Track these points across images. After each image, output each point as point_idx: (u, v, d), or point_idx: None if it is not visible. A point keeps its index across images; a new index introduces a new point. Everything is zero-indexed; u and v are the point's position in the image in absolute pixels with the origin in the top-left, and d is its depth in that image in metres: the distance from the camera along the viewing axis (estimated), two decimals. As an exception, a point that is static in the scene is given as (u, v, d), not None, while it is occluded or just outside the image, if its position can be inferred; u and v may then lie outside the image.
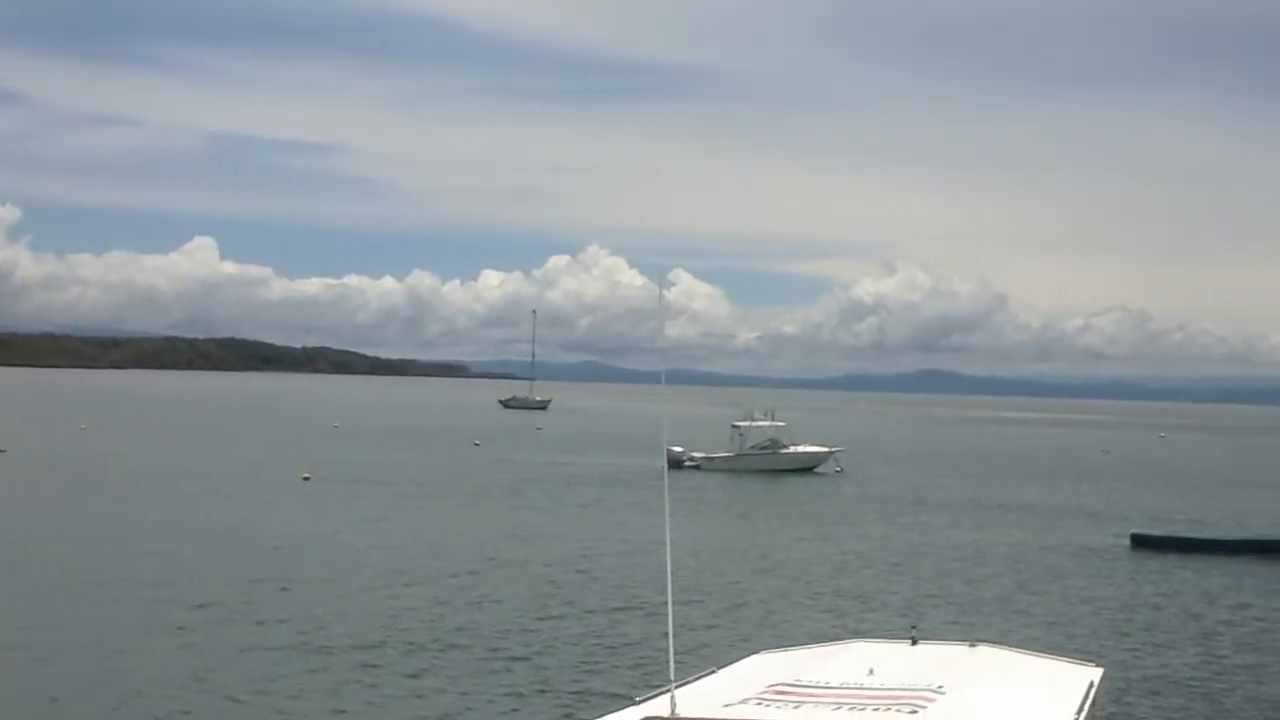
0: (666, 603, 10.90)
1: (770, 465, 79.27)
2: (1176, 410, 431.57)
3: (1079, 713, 10.73)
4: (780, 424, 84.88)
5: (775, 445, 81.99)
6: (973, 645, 13.39)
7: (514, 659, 25.77)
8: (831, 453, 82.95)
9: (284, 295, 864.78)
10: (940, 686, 10.74)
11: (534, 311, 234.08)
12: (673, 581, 11.49)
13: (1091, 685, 11.68)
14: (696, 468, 77.93)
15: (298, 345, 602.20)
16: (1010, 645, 14.66)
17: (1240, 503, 66.88)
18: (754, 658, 13.11)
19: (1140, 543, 46.12)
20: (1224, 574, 39.97)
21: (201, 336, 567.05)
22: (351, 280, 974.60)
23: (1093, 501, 64.99)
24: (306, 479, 61.96)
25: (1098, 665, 12.75)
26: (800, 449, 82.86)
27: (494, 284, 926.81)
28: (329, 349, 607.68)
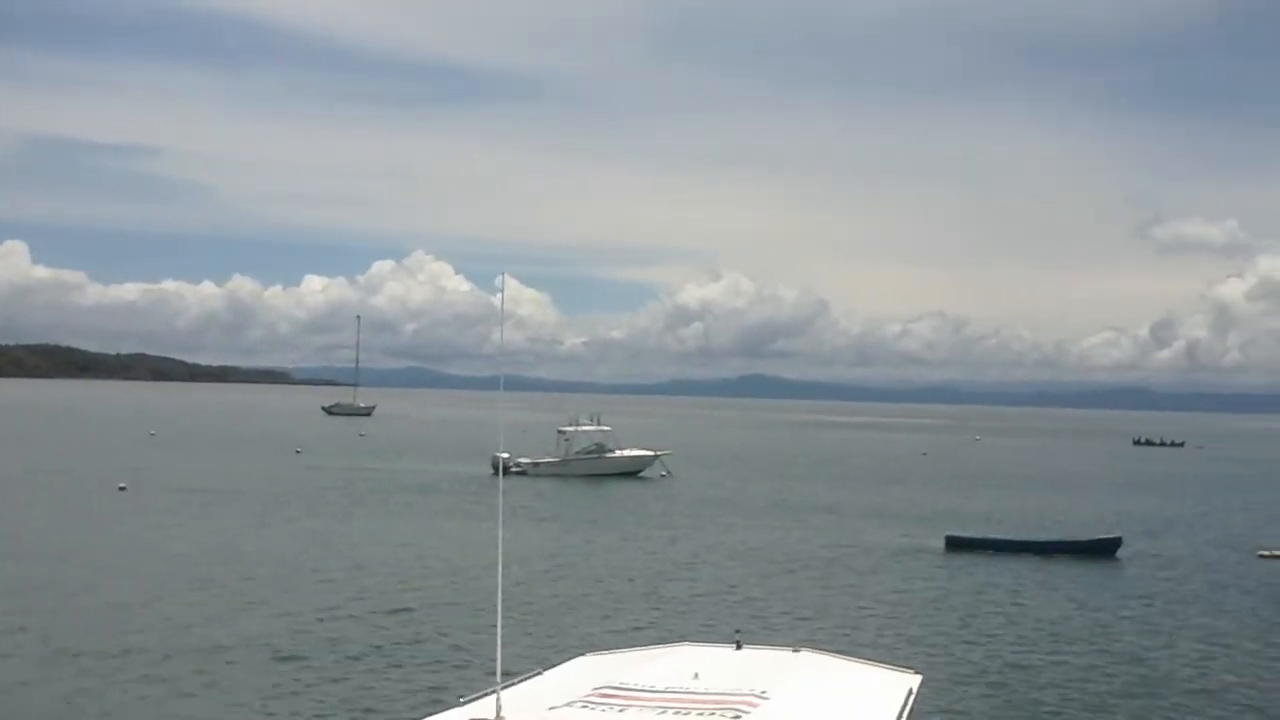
0: (496, 603, 10.89)
1: (596, 470, 79.55)
2: (991, 414, 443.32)
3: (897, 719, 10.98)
4: (606, 429, 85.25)
5: (601, 450, 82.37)
6: (795, 650, 13.59)
7: (333, 663, 25.43)
8: (656, 457, 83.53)
9: (99, 301, 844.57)
10: (763, 691, 10.89)
11: (358, 317, 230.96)
12: (498, 584, 11.47)
13: (910, 692, 11.95)
14: (522, 473, 77.73)
15: (113, 352, 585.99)
16: (832, 651, 14.92)
17: (1049, 504, 68.91)
18: (580, 660, 13.16)
19: (954, 544, 47.23)
20: (1033, 574, 41.20)
21: (12, 343, 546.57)
22: (170, 285, 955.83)
23: (911, 504, 66.37)
24: (123, 489, 60.42)
25: (916, 672, 13.05)
26: (625, 453, 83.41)
27: (317, 289, 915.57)
28: (147, 355, 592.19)
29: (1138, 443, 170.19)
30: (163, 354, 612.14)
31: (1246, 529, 57.65)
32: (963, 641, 29.99)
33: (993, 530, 51.90)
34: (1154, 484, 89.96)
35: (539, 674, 12.17)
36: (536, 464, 79.82)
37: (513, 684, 11.28)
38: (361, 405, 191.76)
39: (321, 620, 29.82)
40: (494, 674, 10.27)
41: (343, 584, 35.32)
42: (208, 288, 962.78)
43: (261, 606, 31.50)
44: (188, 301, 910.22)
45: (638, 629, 29.26)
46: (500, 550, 10.84)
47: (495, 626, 10.60)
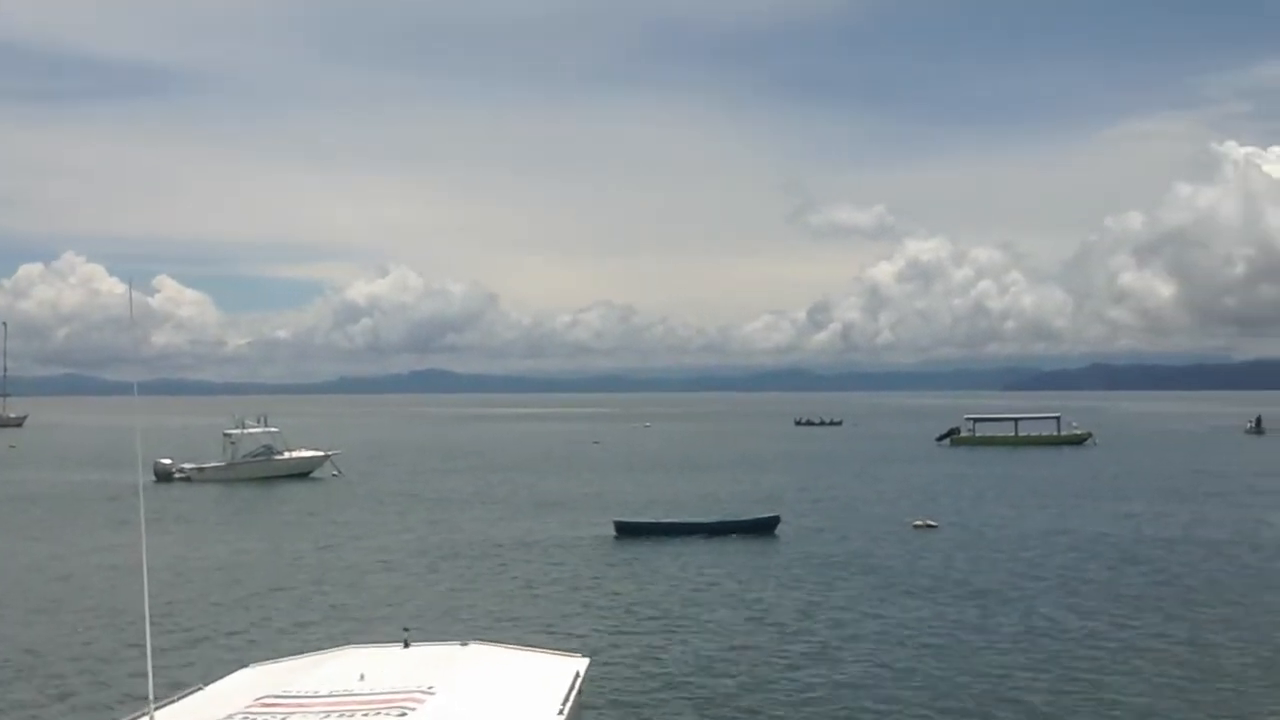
0: (144, 618, 10.54)
1: (264, 473, 77.88)
2: (660, 400, 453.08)
3: (564, 703, 11.17)
4: (273, 430, 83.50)
5: (269, 452, 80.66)
6: (464, 644, 13.67)
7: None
8: (327, 457, 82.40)
9: None
10: (430, 687, 10.92)
11: (4, 323, 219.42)
12: (155, 598, 11.11)
13: (577, 675, 12.18)
14: (188, 479, 75.49)
15: None
16: (501, 642, 15.07)
17: (715, 486, 70.91)
18: (242, 672, 12.90)
19: (623, 530, 48.14)
20: (697, 555, 42.40)
21: None
22: None
23: (581, 492, 67.27)
24: None
25: (584, 655, 13.31)
26: (294, 455, 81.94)
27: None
28: None
29: (799, 423, 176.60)
30: None
31: (898, 501, 60.59)
32: (630, 623, 30.65)
33: (661, 514, 53.10)
34: (813, 462, 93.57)
35: (199, 689, 11.87)
36: (201, 469, 77.64)
37: (169, 702, 10.98)
38: (11, 415, 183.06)
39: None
40: (147, 693, 9.96)
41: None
42: None
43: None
44: None
45: (305, 636, 28.73)
46: (144, 558, 10.47)
47: (145, 642, 10.25)
